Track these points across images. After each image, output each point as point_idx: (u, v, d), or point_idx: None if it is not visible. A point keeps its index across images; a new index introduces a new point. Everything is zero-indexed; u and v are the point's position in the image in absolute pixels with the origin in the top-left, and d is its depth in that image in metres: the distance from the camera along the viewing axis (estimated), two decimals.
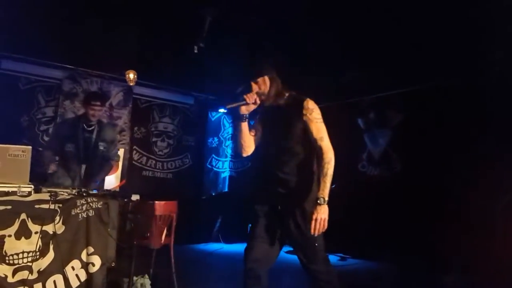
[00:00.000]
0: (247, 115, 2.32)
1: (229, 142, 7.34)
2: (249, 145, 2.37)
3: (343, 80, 5.71)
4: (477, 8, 3.57)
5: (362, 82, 5.69)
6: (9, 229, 2.47)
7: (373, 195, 5.75)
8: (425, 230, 4.93)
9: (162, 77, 6.01)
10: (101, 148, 3.70)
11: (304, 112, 2.25)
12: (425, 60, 4.72)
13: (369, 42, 4.55)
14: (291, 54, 4.93)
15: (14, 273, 2.45)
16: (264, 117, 2.40)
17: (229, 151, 7.33)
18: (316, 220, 2.16)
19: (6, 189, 2.55)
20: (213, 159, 7.17)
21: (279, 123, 2.28)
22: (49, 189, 2.74)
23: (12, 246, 2.47)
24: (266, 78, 2.30)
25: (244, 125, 2.32)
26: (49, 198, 2.68)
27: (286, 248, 6.41)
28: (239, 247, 6.38)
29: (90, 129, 3.66)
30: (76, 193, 2.84)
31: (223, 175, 7.26)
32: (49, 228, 2.65)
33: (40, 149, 5.22)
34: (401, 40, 4.40)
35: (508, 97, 4.44)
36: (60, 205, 2.72)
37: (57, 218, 2.70)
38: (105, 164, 3.80)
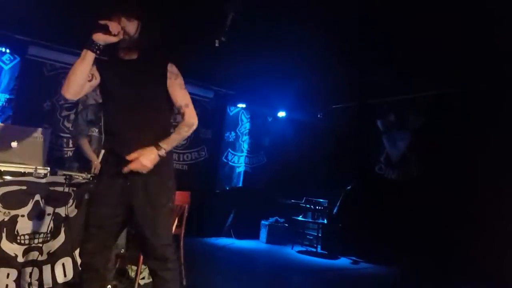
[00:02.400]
0: (101, 47, 1.87)
1: (246, 137, 7.32)
2: (80, 85, 1.89)
3: (364, 81, 5.60)
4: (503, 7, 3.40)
5: (382, 83, 5.57)
6: (22, 209, 2.52)
7: (390, 199, 5.62)
8: (443, 235, 4.79)
9: (183, 70, 6.00)
10: None
11: (169, 75, 2.01)
12: (449, 63, 4.56)
13: (393, 44, 4.42)
14: (308, 55, 4.86)
15: (24, 253, 2.50)
16: (115, 71, 1.97)
17: (245, 146, 7.30)
18: (139, 156, 1.84)
19: (22, 170, 2.60)
20: (229, 153, 7.16)
21: (135, 83, 1.94)
22: (64, 172, 2.78)
23: (24, 226, 2.51)
24: (136, 22, 1.94)
25: (91, 57, 1.86)
26: (64, 181, 2.72)
27: (297, 248, 6.39)
28: (249, 244, 6.37)
29: None
30: (90, 178, 2.87)
31: (238, 170, 7.24)
32: (62, 211, 2.69)
33: (61, 134, 5.36)
34: (425, 43, 4.26)
35: None
36: (74, 188, 2.75)
37: (70, 201, 2.74)
38: None
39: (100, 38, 1.85)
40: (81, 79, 1.87)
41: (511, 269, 4.00)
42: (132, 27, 1.94)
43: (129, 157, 1.86)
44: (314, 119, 7.15)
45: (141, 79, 1.96)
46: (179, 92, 2.06)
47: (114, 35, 1.87)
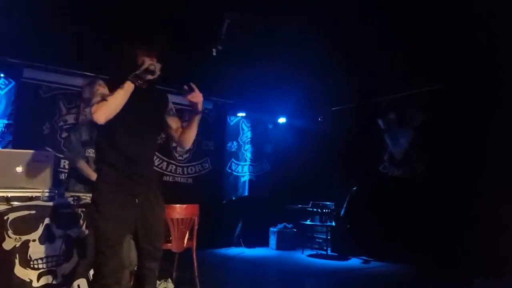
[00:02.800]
0: (141, 82, 2.13)
1: (248, 146, 7.31)
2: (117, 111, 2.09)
3: (362, 82, 5.62)
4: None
5: (381, 82, 5.59)
6: (33, 233, 2.50)
7: (395, 196, 5.61)
8: (450, 232, 4.77)
9: (180, 82, 6.02)
10: None
11: (170, 106, 2.46)
12: (446, 58, 4.58)
13: (390, 41, 4.44)
14: (306, 58, 4.88)
15: (38, 277, 2.48)
16: (134, 99, 2.13)
17: (248, 155, 7.30)
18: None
19: (30, 194, 2.59)
20: (233, 163, 7.15)
21: (144, 109, 2.23)
22: (72, 194, 2.77)
23: (37, 250, 2.50)
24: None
25: (132, 89, 2.10)
26: (72, 202, 2.70)
27: (308, 252, 6.36)
28: (260, 251, 6.33)
29: None
30: None
31: (242, 179, 7.22)
32: (73, 233, 2.67)
33: (61, 156, 5.34)
34: (422, 38, 4.28)
35: None
36: (83, 209, 2.73)
37: (81, 222, 2.72)
38: None
39: (143, 75, 2.15)
40: (119, 108, 2.09)
41: None
42: (157, 65, 2.25)
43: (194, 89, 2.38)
44: (315, 123, 7.16)
45: (149, 106, 2.28)
46: (175, 118, 2.49)
47: (154, 74, 2.21)
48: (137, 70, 2.12)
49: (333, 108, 6.96)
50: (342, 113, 6.84)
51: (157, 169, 6.14)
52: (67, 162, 5.23)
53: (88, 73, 5.56)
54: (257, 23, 4.15)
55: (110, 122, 2.08)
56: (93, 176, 3.55)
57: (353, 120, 6.62)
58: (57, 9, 3.94)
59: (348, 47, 4.66)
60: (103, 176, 2.15)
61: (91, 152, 3.58)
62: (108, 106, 2.03)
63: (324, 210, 6.32)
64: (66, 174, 5.13)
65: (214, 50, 3.85)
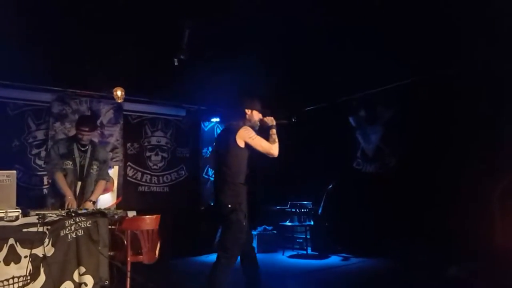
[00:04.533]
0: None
1: None
2: None
3: (332, 81, 5.72)
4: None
5: (351, 80, 5.70)
6: None
7: (370, 192, 5.73)
8: (424, 223, 4.91)
9: (151, 91, 6.03)
10: (95, 167, 3.84)
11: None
12: (412, 54, 4.72)
13: (354, 38, 4.54)
14: (280, 59, 4.94)
15: None
16: None
17: None
18: None
19: None
20: (209, 169, 7.15)
21: None
22: (37, 212, 2.73)
23: (2, 272, 2.45)
24: None
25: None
26: (37, 221, 2.67)
27: (288, 253, 6.41)
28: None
29: (84, 149, 3.81)
30: (64, 214, 2.83)
31: None
32: (39, 251, 2.63)
33: (36, 173, 5.27)
34: (387, 34, 4.40)
35: (497, 91, 4.45)
36: (49, 227, 2.70)
37: (46, 240, 2.68)
38: (98, 183, 3.88)
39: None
40: None
41: (492, 248, 4.12)
42: None
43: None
44: (289, 124, 7.21)
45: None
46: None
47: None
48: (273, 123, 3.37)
49: (306, 109, 7.06)
50: (314, 113, 6.94)
51: (131, 179, 6.11)
52: (43, 178, 5.23)
53: (56, 88, 5.50)
54: (224, 28, 4.19)
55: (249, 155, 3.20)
56: (66, 191, 3.58)
57: (325, 119, 6.73)
58: (22, 25, 3.90)
59: (317, 47, 4.74)
60: (242, 191, 3.08)
61: (68, 164, 3.67)
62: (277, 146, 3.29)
63: (302, 210, 6.40)
64: (44, 190, 5.10)
65: (175, 60, 3.86)
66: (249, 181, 3.21)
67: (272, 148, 3.25)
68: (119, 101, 5.32)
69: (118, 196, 5.77)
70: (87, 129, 3.73)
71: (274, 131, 3.30)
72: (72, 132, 5.29)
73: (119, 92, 5.14)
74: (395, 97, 5.72)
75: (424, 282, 4.08)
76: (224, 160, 3.12)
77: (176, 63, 3.92)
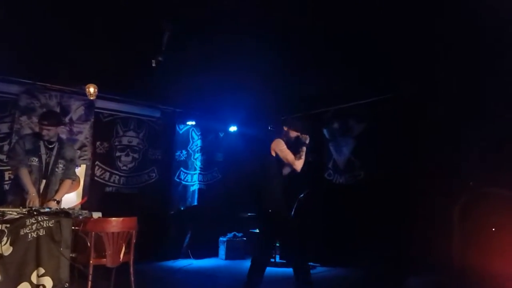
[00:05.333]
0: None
1: (198, 155, 7.24)
2: None
3: (307, 93, 5.82)
4: (438, 17, 3.72)
5: (326, 93, 5.82)
6: None
7: (339, 202, 5.84)
8: (390, 234, 5.04)
9: (126, 90, 5.90)
10: (61, 165, 3.73)
11: None
12: (384, 71, 4.88)
13: (330, 55, 4.65)
14: (255, 68, 4.97)
15: None
16: None
17: (198, 163, 7.22)
18: None
19: None
20: (182, 172, 7.05)
21: None
22: None
23: None
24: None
25: None
26: None
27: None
28: (208, 262, 6.26)
29: (51, 146, 3.70)
30: (26, 212, 2.70)
31: (192, 189, 7.14)
32: None
33: None
34: (361, 52, 4.53)
35: (465, 105, 4.66)
36: (8, 225, 2.58)
37: (4, 239, 2.56)
38: (63, 182, 3.78)
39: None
40: None
41: (453, 260, 4.27)
42: None
43: None
44: (265, 132, 7.26)
45: None
46: None
47: None
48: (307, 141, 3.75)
49: (283, 118, 7.11)
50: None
51: (99, 179, 5.92)
52: (4, 173, 4.98)
53: (25, 80, 5.28)
54: (206, 32, 4.18)
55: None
56: (30, 188, 3.43)
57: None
58: None
59: (295, 59, 4.81)
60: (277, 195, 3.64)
61: (33, 161, 3.52)
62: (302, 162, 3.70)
63: None
64: (5, 186, 4.86)
65: (153, 61, 3.82)
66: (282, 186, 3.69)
67: (296, 163, 3.67)
68: (92, 98, 5.16)
69: (83, 196, 5.57)
70: (46, 123, 3.61)
71: (304, 149, 3.73)
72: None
73: (91, 89, 4.99)
74: (367, 111, 5.89)
75: None
76: (261, 168, 3.80)
77: (154, 65, 3.85)
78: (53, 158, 3.67)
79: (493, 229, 4.04)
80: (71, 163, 3.84)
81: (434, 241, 4.41)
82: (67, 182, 3.80)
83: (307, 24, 3.99)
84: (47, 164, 3.64)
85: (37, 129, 4.86)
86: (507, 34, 3.71)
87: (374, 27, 3.98)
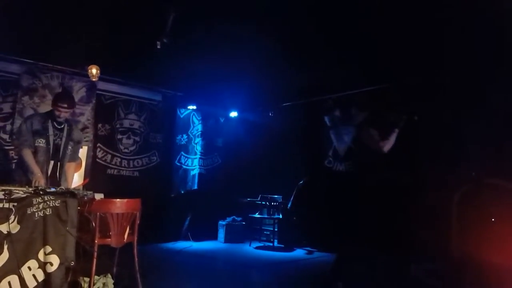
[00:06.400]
0: None
1: (198, 139, 7.27)
2: None
3: (310, 79, 5.81)
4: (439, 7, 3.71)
5: (328, 81, 5.82)
6: None
7: (339, 190, 5.90)
8: (389, 222, 5.11)
9: (128, 72, 5.87)
10: (70, 147, 3.70)
11: None
12: (387, 59, 4.87)
13: (333, 42, 4.64)
14: (257, 55, 4.95)
15: None
16: None
17: (198, 148, 7.25)
18: None
19: None
20: (182, 156, 7.09)
21: None
22: (3, 188, 2.63)
23: None
24: None
25: None
26: (3, 197, 2.57)
27: (255, 244, 6.51)
28: (208, 245, 6.37)
29: (61, 127, 3.65)
30: (32, 192, 2.74)
31: (192, 173, 7.19)
32: (3, 228, 2.54)
33: (1, 147, 5.02)
34: (365, 40, 4.51)
35: (466, 95, 4.68)
36: (15, 204, 2.61)
37: (12, 217, 2.59)
38: (69, 167, 3.77)
39: None
40: None
41: (451, 249, 4.35)
42: None
43: None
44: (265, 118, 7.29)
45: None
46: None
47: None
48: None
49: (284, 104, 7.12)
50: (291, 109, 7.01)
51: (100, 161, 5.95)
52: (8, 152, 5.00)
53: (26, 60, 5.25)
54: (207, 16, 4.14)
55: None
56: (35, 168, 3.43)
57: (301, 116, 6.83)
58: None
59: (297, 45, 4.79)
60: None
61: (40, 142, 3.51)
62: None
63: (272, 203, 6.49)
64: (12, 165, 4.87)
65: (158, 43, 3.79)
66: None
67: None
68: (94, 79, 5.14)
69: (85, 177, 5.61)
70: (65, 105, 3.57)
71: None
72: (43, 107, 5.10)
73: (94, 70, 4.96)
74: (369, 100, 5.90)
75: (384, 279, 4.26)
76: None
77: (158, 46, 3.83)
78: (64, 139, 3.63)
79: (493, 220, 4.10)
80: (78, 145, 3.82)
81: (434, 230, 4.48)
82: (72, 166, 3.79)
83: (309, 11, 3.97)
84: (56, 145, 3.60)
85: (39, 109, 4.85)
86: (506, 25, 3.71)
87: (378, 15, 3.96)
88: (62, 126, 3.65)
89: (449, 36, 4.12)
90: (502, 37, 3.87)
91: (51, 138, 3.58)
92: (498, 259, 3.72)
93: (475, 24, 3.80)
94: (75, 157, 3.80)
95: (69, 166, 3.76)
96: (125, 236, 3.20)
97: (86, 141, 5.65)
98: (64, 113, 3.59)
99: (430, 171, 4.83)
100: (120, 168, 6.19)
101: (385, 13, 3.91)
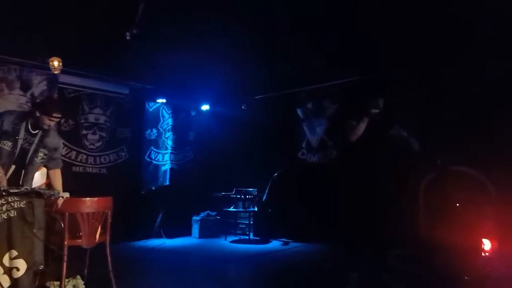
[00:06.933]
0: None
1: (169, 134, 7.07)
2: None
3: (282, 72, 5.80)
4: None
5: (301, 73, 5.83)
6: None
7: (312, 180, 5.96)
8: (361, 211, 5.23)
9: (92, 65, 5.59)
10: (41, 154, 3.36)
11: None
12: (358, 53, 4.93)
13: (305, 36, 4.63)
14: (228, 47, 4.86)
15: None
16: None
17: (169, 143, 7.06)
18: None
19: None
20: (152, 151, 6.87)
21: None
22: None
23: None
24: None
25: None
26: None
27: (231, 238, 6.47)
28: (182, 241, 6.24)
29: (34, 132, 3.30)
30: None
31: (163, 168, 7.00)
32: None
33: None
34: (335, 34, 4.53)
35: (433, 86, 4.82)
36: None
37: None
38: (55, 174, 3.52)
39: None
40: None
41: (419, 236, 4.50)
42: None
43: None
44: (238, 111, 7.21)
45: None
46: None
47: None
48: None
49: (256, 97, 7.07)
50: (264, 102, 6.99)
51: (64, 158, 5.62)
52: None
53: None
54: (175, 8, 4.00)
55: None
56: None
57: (274, 109, 6.82)
58: None
59: (269, 38, 4.74)
60: None
61: (5, 144, 3.17)
62: None
63: (247, 196, 6.45)
64: None
65: (128, 33, 3.60)
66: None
67: None
68: (56, 72, 4.83)
69: (48, 176, 5.29)
70: (60, 115, 3.30)
71: None
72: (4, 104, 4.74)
73: (56, 63, 4.66)
74: (340, 93, 5.98)
75: (357, 266, 4.35)
76: None
77: (128, 37, 3.64)
78: (33, 146, 3.28)
79: (458, 205, 4.26)
80: (57, 152, 3.49)
81: (403, 216, 4.61)
82: (57, 173, 3.51)
83: (282, 3, 3.93)
84: (24, 150, 3.25)
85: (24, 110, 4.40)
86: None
87: (351, 8, 3.98)
88: (36, 131, 3.30)
89: (414, 31, 4.22)
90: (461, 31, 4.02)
91: (20, 142, 3.22)
92: (463, 241, 3.88)
93: (440, 18, 3.91)
94: (58, 164, 3.52)
95: (55, 174, 3.48)
96: (97, 236, 3.04)
97: None
98: (53, 123, 3.29)
99: (398, 160, 4.97)
100: (85, 165, 5.91)
101: (357, 7, 3.94)
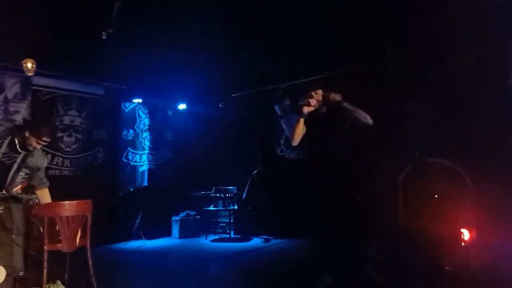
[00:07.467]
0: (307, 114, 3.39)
1: (146, 134, 7.00)
2: (300, 137, 3.59)
3: (258, 70, 5.85)
4: None
5: (277, 70, 5.89)
6: None
7: (292, 177, 6.05)
8: (341, 206, 5.33)
9: (66, 66, 5.47)
10: (22, 173, 3.23)
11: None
12: (334, 48, 5.04)
13: (280, 31, 4.69)
14: (204, 44, 4.87)
15: None
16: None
17: (146, 143, 6.98)
18: None
19: None
20: (129, 152, 6.79)
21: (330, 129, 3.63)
22: None
23: None
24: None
25: (302, 121, 3.47)
26: None
27: (211, 237, 6.48)
28: (162, 242, 6.21)
29: (20, 151, 3.15)
30: None
31: (141, 169, 6.92)
32: None
33: None
34: (310, 30, 4.62)
35: (412, 79, 4.97)
36: None
37: None
38: (42, 193, 3.35)
39: (305, 110, 3.42)
40: (300, 135, 3.56)
41: (399, 229, 4.65)
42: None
43: None
44: (215, 109, 7.22)
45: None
46: None
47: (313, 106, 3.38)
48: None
49: (233, 95, 7.09)
50: (241, 100, 7.02)
51: None
52: None
53: None
54: (150, 7, 3.98)
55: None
56: None
57: (252, 106, 6.86)
58: None
59: (245, 35, 4.78)
60: None
61: None
62: (292, 136, 3.74)
63: (227, 195, 6.48)
64: None
65: (104, 33, 3.56)
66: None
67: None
68: (29, 74, 4.69)
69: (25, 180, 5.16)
70: (49, 141, 3.24)
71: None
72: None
73: (29, 64, 4.53)
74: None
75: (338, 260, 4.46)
76: None
77: (104, 37, 3.60)
78: (15, 165, 3.12)
79: (436, 196, 4.41)
80: (39, 171, 3.36)
81: (382, 209, 4.75)
82: (45, 192, 3.37)
83: (257, 1, 3.98)
84: (5, 167, 3.07)
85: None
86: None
87: (325, 5, 4.08)
88: (21, 151, 3.15)
89: (389, 24, 4.36)
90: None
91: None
92: (441, 232, 4.02)
93: (415, 11, 4.05)
94: (41, 183, 3.37)
95: (42, 194, 3.33)
96: (77, 240, 3.02)
97: None
98: (39, 146, 3.18)
99: (377, 153, 5.11)
100: (62, 168, 5.79)
101: (332, 3, 4.03)
